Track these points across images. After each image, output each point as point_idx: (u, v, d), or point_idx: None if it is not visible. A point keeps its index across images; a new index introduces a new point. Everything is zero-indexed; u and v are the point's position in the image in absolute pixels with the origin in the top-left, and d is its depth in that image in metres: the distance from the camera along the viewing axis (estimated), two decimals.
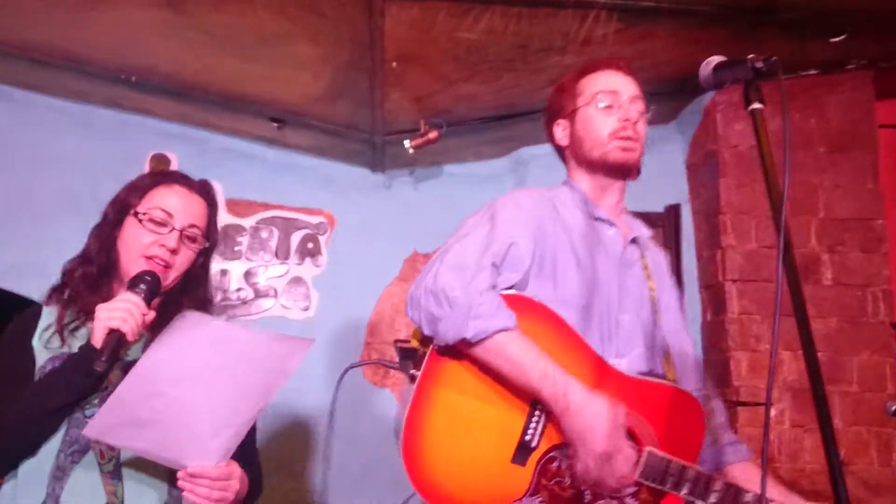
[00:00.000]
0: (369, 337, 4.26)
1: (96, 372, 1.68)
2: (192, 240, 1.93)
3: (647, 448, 1.73)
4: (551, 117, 2.11)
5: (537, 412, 1.75)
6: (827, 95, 3.87)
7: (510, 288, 1.83)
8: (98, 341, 1.69)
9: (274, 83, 3.70)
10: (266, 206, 4.32)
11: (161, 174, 2.00)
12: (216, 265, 4.08)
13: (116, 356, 1.71)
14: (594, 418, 1.66)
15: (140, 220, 1.87)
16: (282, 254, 4.30)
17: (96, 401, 1.76)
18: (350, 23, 3.07)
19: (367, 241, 4.36)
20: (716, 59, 1.63)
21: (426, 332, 1.76)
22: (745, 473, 1.92)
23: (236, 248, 4.23)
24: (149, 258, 1.86)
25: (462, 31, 3.16)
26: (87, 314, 1.83)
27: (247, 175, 4.28)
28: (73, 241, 3.80)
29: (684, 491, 1.73)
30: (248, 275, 4.21)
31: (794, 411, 3.57)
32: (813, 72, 3.80)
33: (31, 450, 1.73)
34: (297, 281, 4.30)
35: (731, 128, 3.81)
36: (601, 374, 1.79)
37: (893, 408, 2.80)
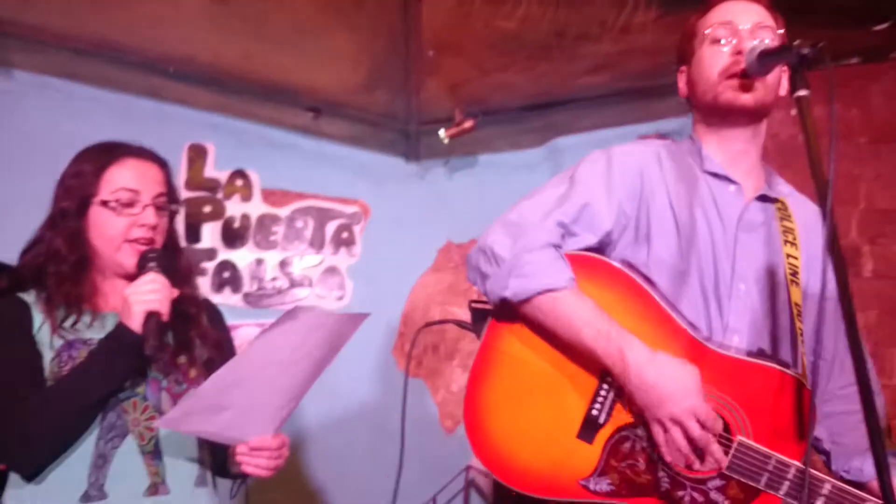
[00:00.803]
0: (403, 326, 4.28)
1: (146, 356, 1.70)
2: (162, 209, 1.89)
3: (739, 437, 1.55)
4: (677, 65, 1.88)
5: (605, 385, 1.61)
6: (869, 85, 3.80)
7: (587, 250, 1.69)
8: (138, 326, 1.69)
9: (311, 72, 3.71)
10: (301, 196, 4.34)
11: (106, 151, 1.91)
12: (252, 254, 4.12)
13: (159, 337, 1.72)
14: (660, 377, 1.50)
15: (109, 207, 1.82)
16: (317, 243, 4.32)
17: (129, 384, 1.77)
18: (387, 11, 3.08)
19: (401, 231, 4.38)
20: (761, 46, 1.58)
21: (481, 290, 1.68)
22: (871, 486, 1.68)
23: (272, 238, 4.25)
24: (131, 241, 1.82)
25: (499, 19, 3.14)
26: (76, 307, 1.79)
27: (282, 165, 4.30)
28: None
29: (783, 491, 1.53)
30: (283, 264, 4.23)
31: None
32: (855, 60, 3.74)
33: (74, 441, 1.72)
34: (332, 270, 4.32)
35: (771, 116, 3.75)
36: (683, 348, 1.60)
37: None
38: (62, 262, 1.81)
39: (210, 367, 1.83)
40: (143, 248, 1.82)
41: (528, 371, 1.64)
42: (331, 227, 4.35)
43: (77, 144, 4.05)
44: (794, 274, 1.69)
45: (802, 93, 1.43)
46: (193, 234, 4.02)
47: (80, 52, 3.69)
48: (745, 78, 1.65)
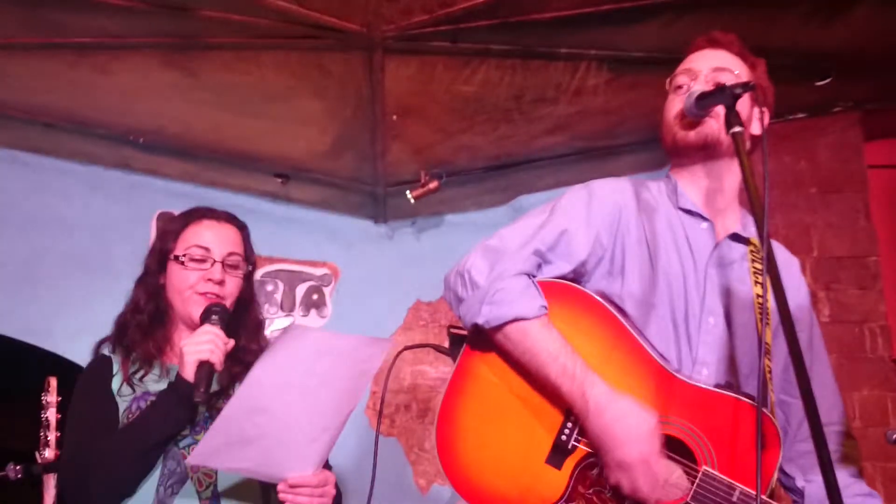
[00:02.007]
0: (374, 386, 4.30)
1: (197, 402, 1.77)
2: (235, 267, 2.00)
3: (704, 468, 1.56)
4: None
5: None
6: (816, 137, 3.97)
7: (561, 279, 1.72)
8: (190, 375, 1.76)
9: (280, 139, 3.80)
10: (271, 260, 4.40)
11: (188, 214, 2.06)
12: None
13: (210, 386, 1.78)
14: (616, 422, 1.52)
15: (181, 263, 1.95)
16: (287, 306, 4.36)
17: (187, 432, 1.84)
18: (353, 77, 3.17)
19: (370, 292, 4.43)
20: (699, 90, 1.68)
21: (455, 313, 1.70)
22: None
23: None
24: (201, 294, 1.93)
25: (459, 84, 3.26)
26: (147, 361, 1.92)
27: (252, 230, 4.31)
28: (81, 303, 3.90)
29: None
30: None
31: None
32: (801, 115, 3.91)
33: (135, 487, 1.79)
34: None
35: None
36: (653, 378, 1.63)
37: (894, 436, 2.83)
38: (141, 313, 1.97)
39: None
40: (211, 300, 1.92)
41: (500, 395, 1.66)
42: (301, 290, 4.41)
43: (47, 217, 4.12)
44: (764, 314, 1.70)
45: (737, 129, 1.54)
46: None
47: (49, 125, 3.75)
48: (687, 118, 1.75)
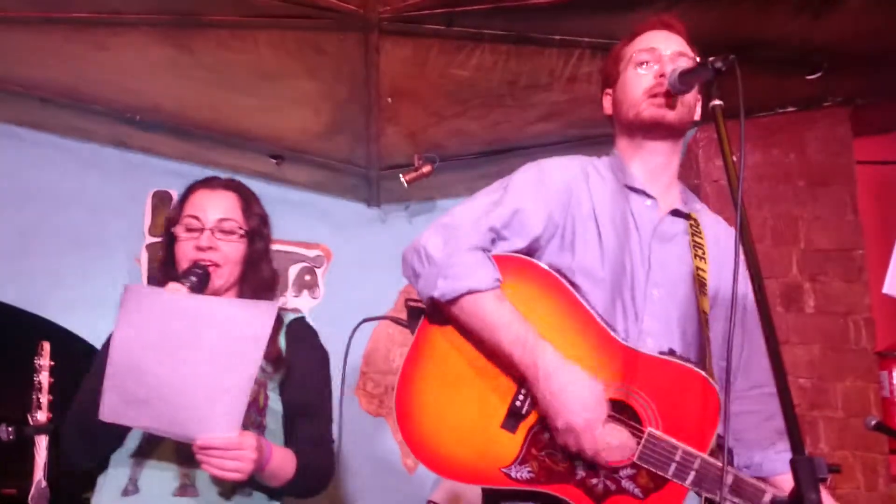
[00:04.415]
0: (365, 366, 4.35)
1: None
2: (230, 232, 2.03)
3: (649, 429, 1.63)
4: (602, 88, 2.04)
5: None
6: (806, 131, 4.01)
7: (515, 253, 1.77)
8: None
9: (275, 120, 3.83)
10: None
11: (189, 187, 2.13)
12: None
13: None
14: (563, 389, 1.59)
15: (178, 233, 2.03)
16: (279, 286, 4.38)
17: None
18: (348, 59, 3.20)
19: (362, 274, 4.47)
20: (682, 66, 1.74)
21: (414, 287, 1.75)
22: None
23: None
24: (193, 263, 1.98)
25: (453, 68, 3.29)
26: None
27: None
28: (76, 277, 3.94)
29: (689, 480, 1.61)
30: None
31: None
32: (791, 109, 3.95)
33: (119, 439, 1.88)
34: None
35: (711, 163, 3.95)
36: (602, 346, 1.70)
37: (873, 422, 2.89)
38: (155, 281, 2.07)
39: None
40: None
41: (456, 365, 1.72)
42: (293, 271, 4.45)
43: (43, 192, 4.16)
44: (703, 285, 1.82)
45: (716, 102, 1.56)
46: None
47: (47, 101, 3.77)
48: (669, 97, 1.81)
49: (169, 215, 2.12)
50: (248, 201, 2.13)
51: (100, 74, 3.50)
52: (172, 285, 1.85)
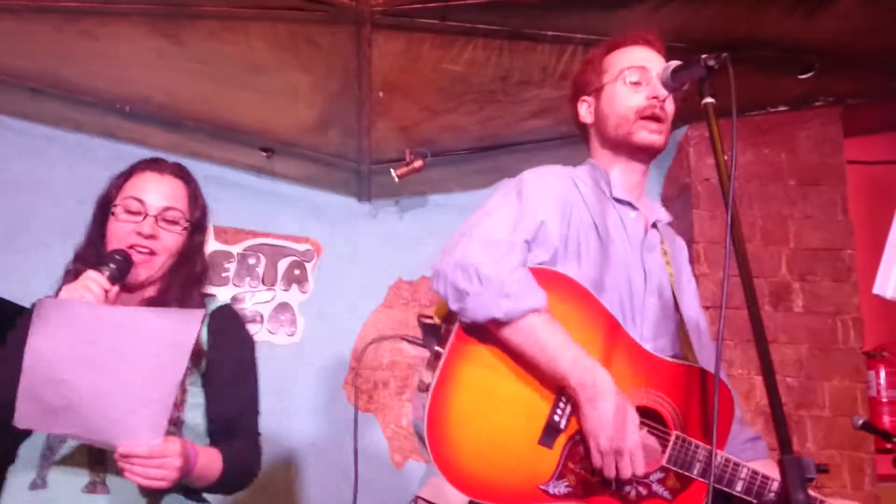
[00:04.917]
0: (354, 362, 4.34)
1: None
2: (173, 222, 1.97)
3: (675, 433, 1.70)
4: (576, 93, 2.05)
5: (567, 393, 1.68)
6: (797, 131, 4.03)
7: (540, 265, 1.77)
8: None
9: (265, 112, 3.80)
10: (254, 234, 4.42)
11: (134, 165, 2.05)
12: None
13: None
14: (620, 411, 1.60)
15: (115, 214, 1.94)
16: (269, 280, 4.38)
17: None
18: (340, 53, 3.18)
19: (352, 269, 4.46)
20: (674, 64, 1.74)
21: (453, 307, 1.67)
22: (764, 470, 1.77)
23: (223, 275, 4.31)
24: (130, 248, 1.90)
25: (446, 63, 3.27)
26: None
27: (236, 204, 4.35)
28: (65, 266, 3.91)
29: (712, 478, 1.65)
30: (234, 300, 4.27)
31: (767, 434, 3.66)
32: (783, 108, 3.97)
33: (27, 432, 1.80)
34: (284, 307, 4.38)
35: (702, 161, 3.96)
36: (633, 356, 1.75)
37: (860, 421, 2.90)
38: (82, 260, 1.95)
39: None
40: (141, 254, 1.91)
41: (492, 380, 1.68)
42: (283, 265, 4.42)
43: (32, 182, 4.13)
44: (674, 289, 1.93)
45: (709, 100, 1.59)
46: None
47: (36, 91, 3.75)
48: (661, 122, 1.89)
49: (107, 191, 2.00)
50: (195, 191, 2.06)
51: (89, 64, 3.47)
52: (91, 273, 1.79)
